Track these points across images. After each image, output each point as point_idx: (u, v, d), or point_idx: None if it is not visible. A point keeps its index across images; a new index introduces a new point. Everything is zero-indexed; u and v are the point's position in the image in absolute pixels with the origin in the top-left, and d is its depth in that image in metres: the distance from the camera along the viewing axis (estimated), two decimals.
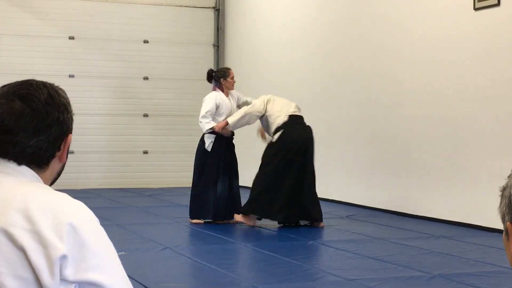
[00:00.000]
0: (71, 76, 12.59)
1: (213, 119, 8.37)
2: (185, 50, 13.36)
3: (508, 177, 1.39)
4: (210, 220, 8.36)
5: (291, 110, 8.22)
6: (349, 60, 10.16)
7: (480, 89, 7.96)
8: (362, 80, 9.88)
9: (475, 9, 7.99)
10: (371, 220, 8.63)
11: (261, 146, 8.49)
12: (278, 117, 8.13)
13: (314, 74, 11.02)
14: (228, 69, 8.71)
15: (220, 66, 12.45)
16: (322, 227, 8.02)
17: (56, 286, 1.47)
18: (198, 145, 8.51)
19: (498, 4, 7.74)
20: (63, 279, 1.48)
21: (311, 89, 11.05)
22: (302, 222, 8.17)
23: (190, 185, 8.62)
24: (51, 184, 1.73)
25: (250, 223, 8.18)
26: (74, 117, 1.75)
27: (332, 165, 10.52)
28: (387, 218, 8.81)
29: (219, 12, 13.65)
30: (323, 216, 8.18)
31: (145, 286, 5.12)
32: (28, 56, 12.39)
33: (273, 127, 8.16)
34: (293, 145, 8.03)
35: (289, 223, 8.17)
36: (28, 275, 1.48)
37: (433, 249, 6.62)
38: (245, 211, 8.20)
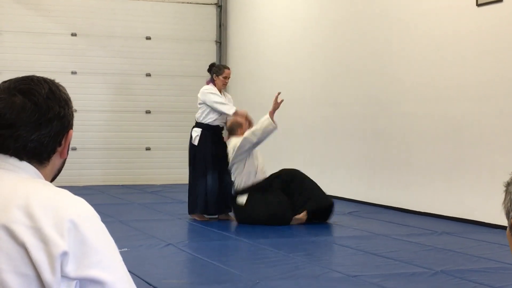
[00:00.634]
0: (73, 72, 12.60)
1: (207, 114, 8.30)
2: (188, 47, 13.36)
3: None
4: (215, 216, 8.37)
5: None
6: (351, 57, 10.15)
7: (482, 85, 7.94)
8: (364, 78, 9.87)
9: (478, 5, 7.97)
10: (374, 216, 8.63)
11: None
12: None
13: (316, 71, 11.00)
14: (226, 67, 8.50)
15: (222, 63, 12.44)
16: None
17: (57, 283, 1.47)
18: (189, 141, 8.48)
19: (501, 0, 7.72)
20: (64, 276, 1.48)
21: (313, 86, 11.04)
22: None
23: None
24: (51, 180, 1.73)
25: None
26: (77, 114, 1.75)
27: (334, 162, 10.51)
28: (390, 214, 8.81)
29: (221, 9, 13.65)
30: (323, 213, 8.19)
31: (148, 283, 5.12)
32: (31, 53, 12.39)
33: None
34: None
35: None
36: (29, 271, 1.48)
37: (436, 246, 6.61)
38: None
